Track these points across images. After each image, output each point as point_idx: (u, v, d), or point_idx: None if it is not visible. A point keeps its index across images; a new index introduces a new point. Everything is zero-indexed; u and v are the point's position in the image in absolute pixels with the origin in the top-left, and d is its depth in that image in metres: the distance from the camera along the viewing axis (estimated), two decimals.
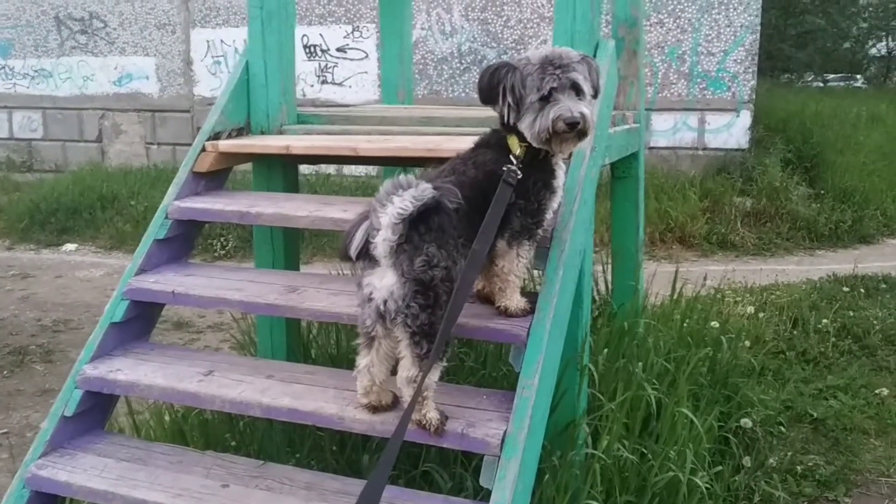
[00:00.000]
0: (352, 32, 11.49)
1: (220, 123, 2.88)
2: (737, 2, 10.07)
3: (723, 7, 10.12)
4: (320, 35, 11.73)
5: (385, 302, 1.90)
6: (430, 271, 1.86)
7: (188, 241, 2.77)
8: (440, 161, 2.23)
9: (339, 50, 11.66)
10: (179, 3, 12.16)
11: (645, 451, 2.69)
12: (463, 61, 10.70)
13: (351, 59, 11.57)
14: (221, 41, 12.05)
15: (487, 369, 3.00)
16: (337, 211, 2.48)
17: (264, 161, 2.97)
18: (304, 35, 11.86)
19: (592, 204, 2.44)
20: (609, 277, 4.01)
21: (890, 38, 29.38)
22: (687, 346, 3.61)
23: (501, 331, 2.12)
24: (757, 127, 10.73)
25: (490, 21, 10.47)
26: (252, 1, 2.93)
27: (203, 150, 2.79)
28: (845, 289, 6.40)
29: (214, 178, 2.85)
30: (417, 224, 1.85)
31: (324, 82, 11.84)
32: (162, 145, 12.56)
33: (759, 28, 10.17)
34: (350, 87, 11.58)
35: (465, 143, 2.49)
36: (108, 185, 10.75)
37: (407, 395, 1.95)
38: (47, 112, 13.21)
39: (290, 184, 3.07)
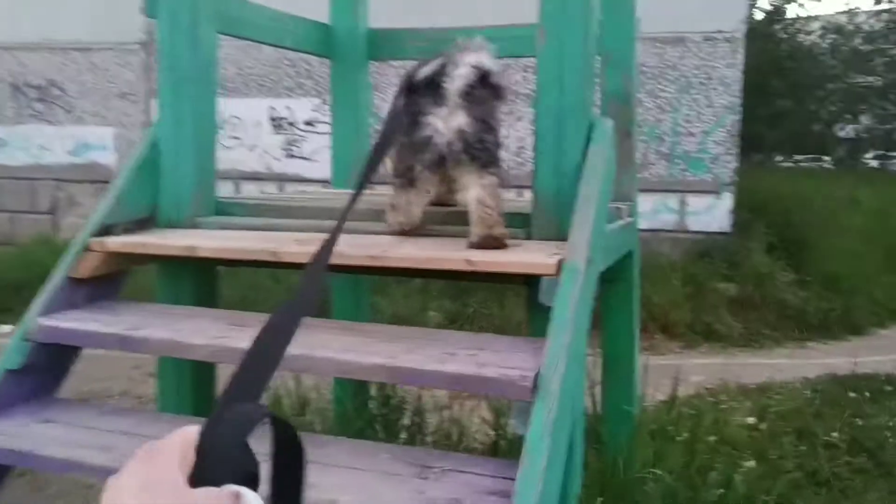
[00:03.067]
0: (321, 105, 11.07)
1: (115, 214, 2.27)
2: (717, 82, 9.77)
3: (702, 87, 9.82)
4: (287, 108, 11.31)
5: (450, 143, 2.03)
6: (494, 114, 2.09)
7: (57, 369, 2.12)
8: (383, 271, 1.95)
9: (307, 123, 11.22)
10: (142, 72, 11.68)
11: None
12: None
13: (319, 133, 11.10)
14: None
15: None
16: (247, 339, 1.85)
17: (172, 263, 2.35)
18: (271, 107, 11.46)
19: (586, 335, 1.84)
20: (597, 394, 3.39)
21: (858, 122, 29.82)
22: (692, 485, 2.99)
23: None
24: (739, 210, 10.33)
25: None
26: (162, 62, 2.35)
27: (87, 248, 2.17)
28: (851, 394, 5.84)
29: (103, 286, 2.22)
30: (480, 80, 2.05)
31: (290, 156, 11.36)
32: None
33: (740, 109, 9.87)
34: (318, 161, 11.07)
35: (413, 247, 1.90)
36: (56, 260, 10.01)
37: (480, 211, 2.02)
38: None
39: (205, 291, 2.45)
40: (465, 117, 2.01)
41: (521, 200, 2.77)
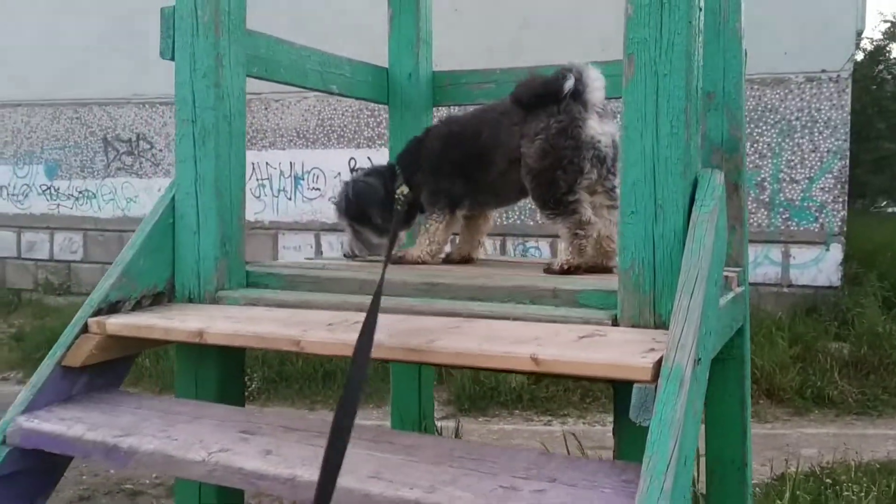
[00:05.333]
0: None
1: (122, 288, 1.93)
2: (822, 125, 9.07)
3: (806, 131, 9.13)
4: (368, 158, 11.16)
5: (608, 146, 2.18)
6: None
7: (45, 475, 1.77)
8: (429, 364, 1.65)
9: None
10: None
11: None
12: None
13: None
14: (267, 164, 11.56)
15: None
16: (253, 454, 1.45)
17: (192, 349, 1.99)
18: (351, 157, 11.34)
19: (691, 464, 1.37)
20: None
21: None
22: None
23: None
24: (849, 262, 9.48)
25: None
26: (180, 112, 2.03)
27: (85, 330, 1.83)
28: None
29: (103, 373, 1.88)
30: None
31: None
32: None
33: (848, 154, 9.11)
34: None
35: (468, 337, 1.48)
36: None
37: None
38: (88, 234, 12.82)
39: (231, 377, 2.08)
40: (613, 125, 2.20)
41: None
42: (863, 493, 4.68)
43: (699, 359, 1.38)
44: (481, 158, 2.38)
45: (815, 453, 6.22)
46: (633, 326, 1.60)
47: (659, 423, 1.27)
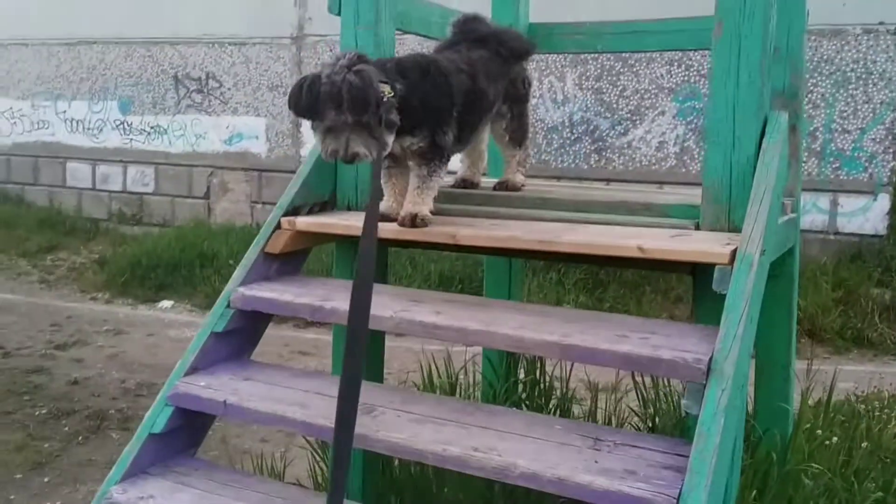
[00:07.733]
0: None
1: (301, 196, 2.47)
2: (876, 76, 9.26)
3: (860, 82, 9.32)
4: None
5: None
6: None
7: (252, 334, 2.34)
8: (553, 256, 2.11)
9: None
10: (292, 65, 12.25)
11: None
12: (574, 131, 10.23)
13: None
14: None
15: None
16: (427, 313, 1.99)
17: (348, 242, 2.53)
18: None
19: (756, 324, 1.87)
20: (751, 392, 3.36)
21: None
22: (850, 486, 2.94)
23: (641, 499, 1.55)
24: None
25: (604, 90, 10.00)
26: (343, 51, 2.53)
27: (278, 227, 2.38)
28: None
29: (289, 261, 2.43)
30: None
31: None
32: (266, 204, 12.54)
33: None
34: None
35: (584, 234, 1.98)
36: (209, 242, 10.72)
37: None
38: (160, 167, 13.49)
39: (378, 270, 2.62)
40: None
41: (672, 193, 2.81)
42: (894, 416, 5.13)
43: (764, 250, 1.87)
44: (483, 103, 2.48)
45: (851, 386, 6.66)
46: (712, 230, 2.09)
47: (734, 291, 1.77)
